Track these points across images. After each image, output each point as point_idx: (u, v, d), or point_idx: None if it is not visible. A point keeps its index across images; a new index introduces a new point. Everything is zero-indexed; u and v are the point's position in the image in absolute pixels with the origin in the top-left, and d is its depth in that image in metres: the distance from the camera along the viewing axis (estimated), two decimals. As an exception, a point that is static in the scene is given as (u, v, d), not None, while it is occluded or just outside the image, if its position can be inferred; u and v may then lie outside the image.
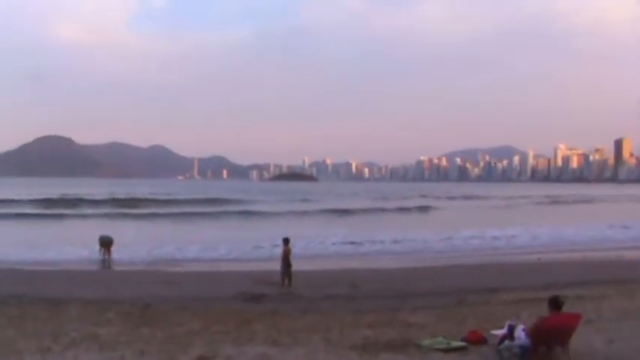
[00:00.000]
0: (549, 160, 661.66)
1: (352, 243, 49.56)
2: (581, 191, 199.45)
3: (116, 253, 39.71)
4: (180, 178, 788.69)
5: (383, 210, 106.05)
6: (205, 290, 26.77)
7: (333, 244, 49.08)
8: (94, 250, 39.77)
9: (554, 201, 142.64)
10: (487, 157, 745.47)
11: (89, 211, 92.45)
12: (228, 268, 35.46)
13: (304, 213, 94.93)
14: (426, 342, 15.50)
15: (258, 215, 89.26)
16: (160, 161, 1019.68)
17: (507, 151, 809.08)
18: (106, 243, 39.66)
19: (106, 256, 39.25)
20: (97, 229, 49.97)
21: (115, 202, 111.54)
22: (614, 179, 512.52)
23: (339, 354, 14.67)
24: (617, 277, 28.76)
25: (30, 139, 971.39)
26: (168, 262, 38.52)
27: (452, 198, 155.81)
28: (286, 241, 29.86)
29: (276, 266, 29.33)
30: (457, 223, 71.18)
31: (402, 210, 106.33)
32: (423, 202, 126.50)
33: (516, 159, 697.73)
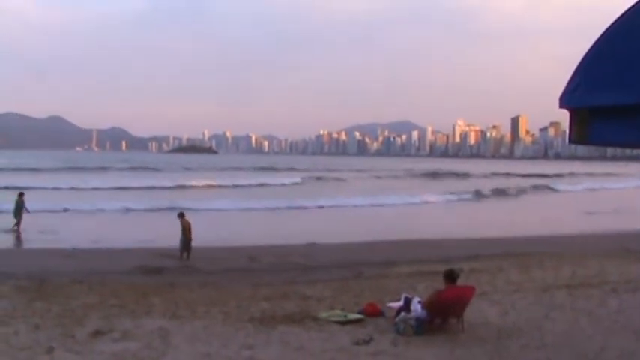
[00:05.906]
0: (447, 137, 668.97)
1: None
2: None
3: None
4: (78, 149, 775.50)
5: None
6: (103, 264, 26.39)
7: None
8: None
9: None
10: (386, 132, 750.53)
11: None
12: (128, 242, 34.66)
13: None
14: (324, 314, 15.69)
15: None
16: (57, 133, 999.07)
17: (406, 127, 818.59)
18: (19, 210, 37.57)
19: (15, 227, 37.21)
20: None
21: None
22: (510, 156, 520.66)
23: (236, 327, 14.74)
24: (513, 251, 29.41)
25: None
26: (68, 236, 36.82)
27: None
28: (181, 215, 29.78)
29: (177, 240, 29.06)
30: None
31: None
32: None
33: (415, 134, 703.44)
